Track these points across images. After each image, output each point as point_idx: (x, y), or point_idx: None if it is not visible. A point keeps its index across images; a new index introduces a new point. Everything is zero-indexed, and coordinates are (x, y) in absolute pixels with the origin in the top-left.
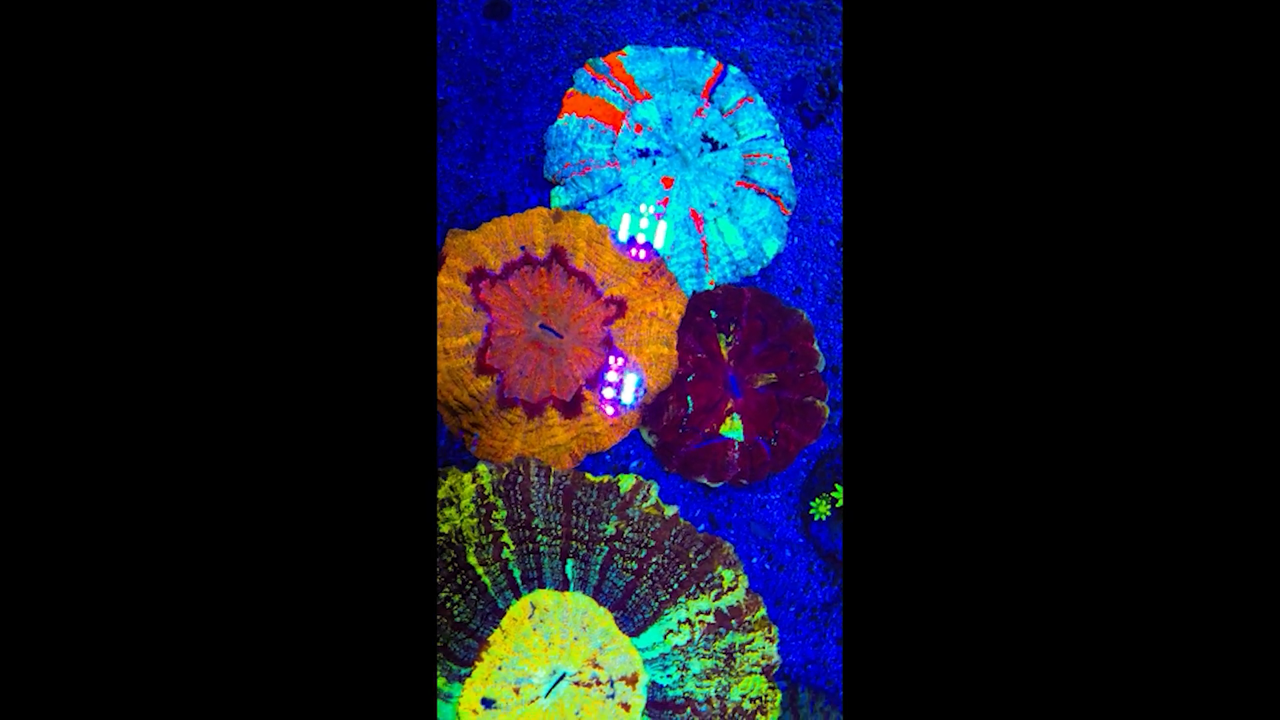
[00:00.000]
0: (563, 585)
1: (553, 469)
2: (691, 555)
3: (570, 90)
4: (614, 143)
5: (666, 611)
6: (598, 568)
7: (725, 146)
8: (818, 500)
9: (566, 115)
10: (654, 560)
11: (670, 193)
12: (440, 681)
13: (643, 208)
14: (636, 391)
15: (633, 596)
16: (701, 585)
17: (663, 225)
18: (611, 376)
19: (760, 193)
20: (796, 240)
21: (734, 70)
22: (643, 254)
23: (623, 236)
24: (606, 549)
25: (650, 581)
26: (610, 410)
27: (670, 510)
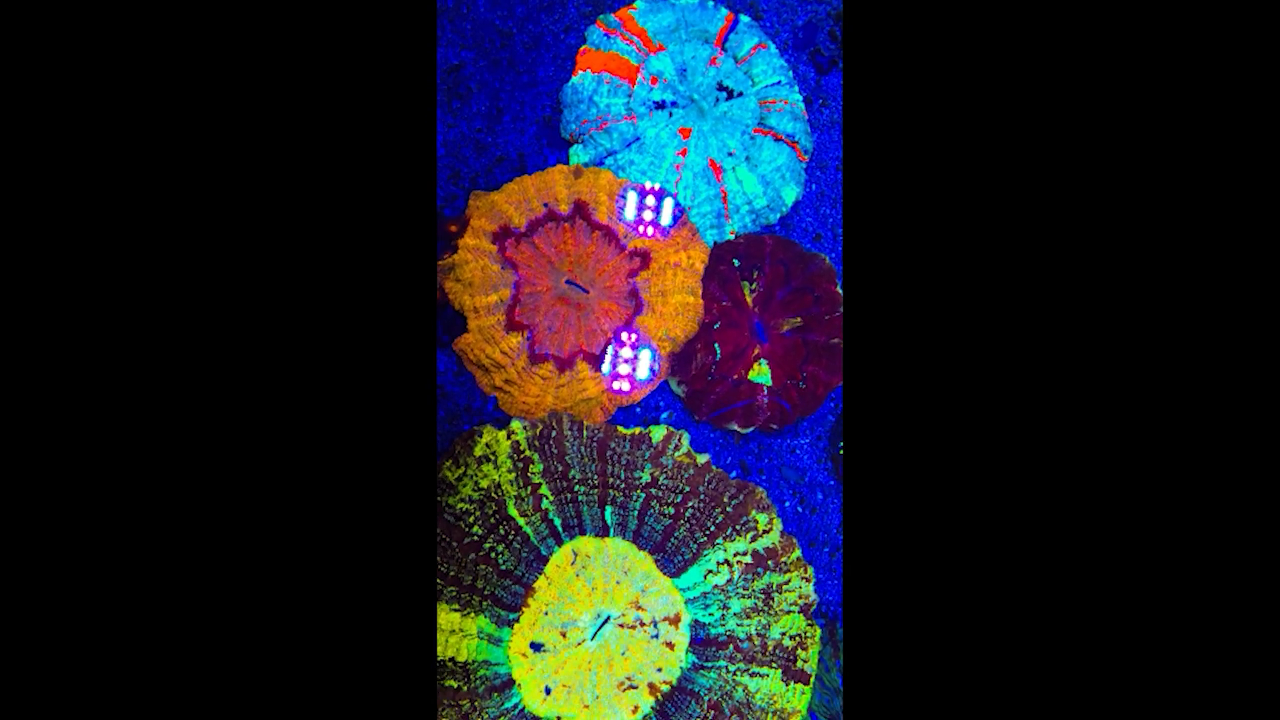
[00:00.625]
0: (603, 531)
1: (585, 423)
2: (726, 500)
3: (583, 47)
4: (630, 96)
5: (705, 553)
6: (636, 513)
7: (741, 94)
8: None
9: (581, 72)
10: (690, 504)
11: (688, 144)
12: (490, 627)
13: (647, 184)
14: (652, 365)
15: (671, 539)
16: (737, 528)
17: (668, 202)
18: (625, 353)
19: (778, 139)
20: (814, 187)
21: (745, 19)
22: (650, 230)
23: (629, 215)
24: (643, 495)
25: (688, 524)
26: (627, 386)
27: (702, 459)
